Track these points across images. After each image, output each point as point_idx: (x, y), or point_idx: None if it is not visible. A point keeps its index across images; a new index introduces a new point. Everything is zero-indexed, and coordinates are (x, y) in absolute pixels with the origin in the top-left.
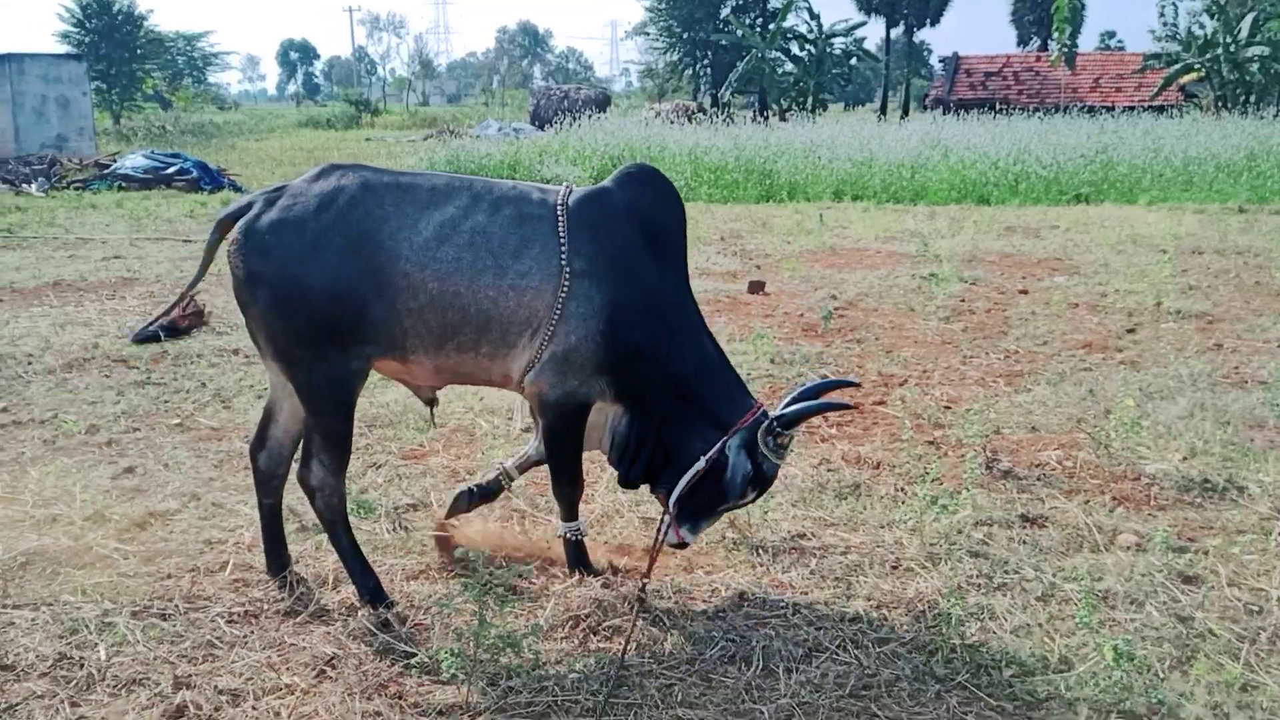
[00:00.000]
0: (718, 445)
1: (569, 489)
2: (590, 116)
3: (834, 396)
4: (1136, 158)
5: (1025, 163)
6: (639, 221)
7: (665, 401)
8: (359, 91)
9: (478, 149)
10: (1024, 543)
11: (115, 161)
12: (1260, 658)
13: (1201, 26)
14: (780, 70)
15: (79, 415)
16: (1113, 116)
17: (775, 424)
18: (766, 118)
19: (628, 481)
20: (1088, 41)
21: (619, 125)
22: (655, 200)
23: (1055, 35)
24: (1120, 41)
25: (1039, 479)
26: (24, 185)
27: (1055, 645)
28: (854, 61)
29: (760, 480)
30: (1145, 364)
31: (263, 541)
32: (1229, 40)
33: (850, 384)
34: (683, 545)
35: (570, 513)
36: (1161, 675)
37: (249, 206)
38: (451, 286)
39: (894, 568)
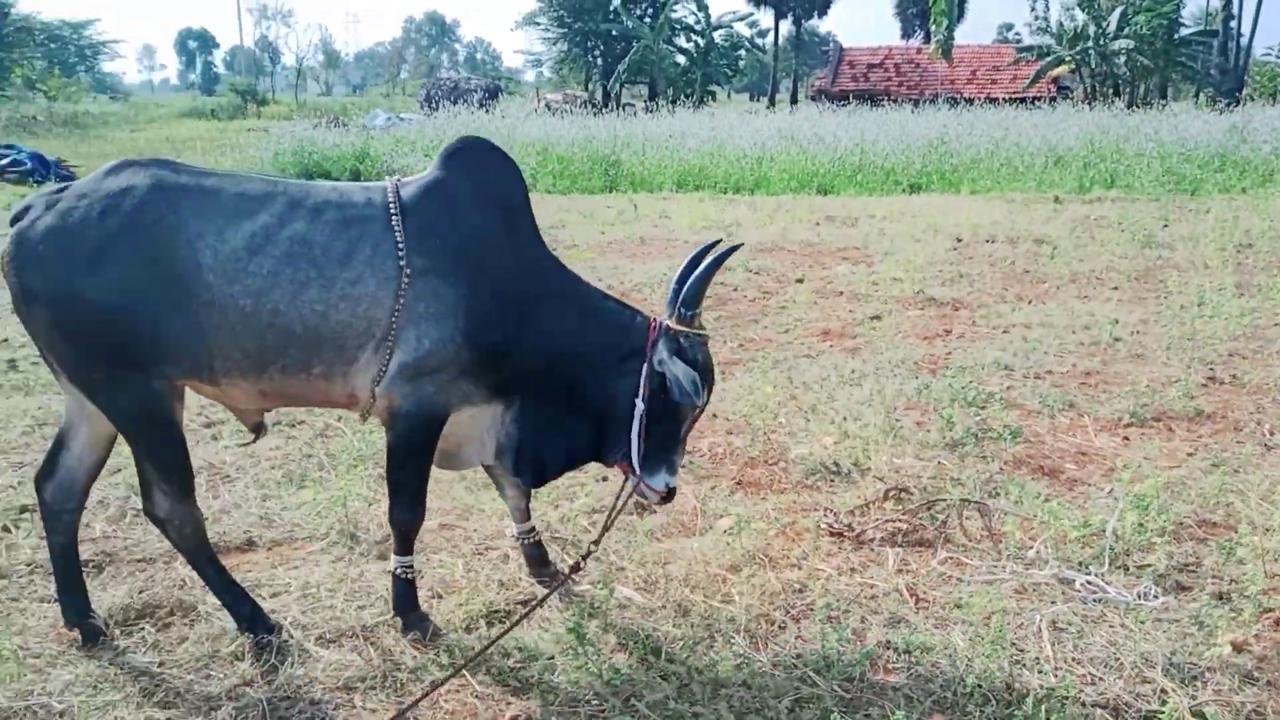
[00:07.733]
0: (643, 374)
1: (408, 515)
2: (478, 107)
3: None
4: (969, 149)
5: (865, 153)
6: (480, 200)
7: (560, 383)
8: (248, 81)
9: (326, 139)
10: (617, 529)
11: None
12: (771, 635)
13: (1073, 19)
14: (668, 61)
15: None
16: (973, 108)
17: (681, 309)
18: (658, 107)
19: (539, 480)
20: (987, 34)
21: (473, 117)
22: (490, 173)
23: (934, 28)
24: (1018, 34)
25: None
26: None
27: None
28: (741, 53)
29: (704, 372)
30: (864, 351)
31: (55, 586)
32: (1098, 33)
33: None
34: (670, 495)
35: (403, 545)
36: (672, 658)
37: (26, 210)
38: (269, 304)
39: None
